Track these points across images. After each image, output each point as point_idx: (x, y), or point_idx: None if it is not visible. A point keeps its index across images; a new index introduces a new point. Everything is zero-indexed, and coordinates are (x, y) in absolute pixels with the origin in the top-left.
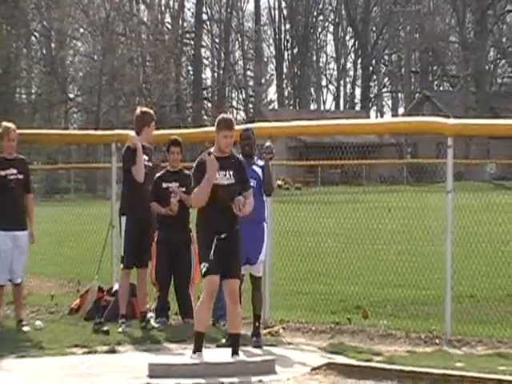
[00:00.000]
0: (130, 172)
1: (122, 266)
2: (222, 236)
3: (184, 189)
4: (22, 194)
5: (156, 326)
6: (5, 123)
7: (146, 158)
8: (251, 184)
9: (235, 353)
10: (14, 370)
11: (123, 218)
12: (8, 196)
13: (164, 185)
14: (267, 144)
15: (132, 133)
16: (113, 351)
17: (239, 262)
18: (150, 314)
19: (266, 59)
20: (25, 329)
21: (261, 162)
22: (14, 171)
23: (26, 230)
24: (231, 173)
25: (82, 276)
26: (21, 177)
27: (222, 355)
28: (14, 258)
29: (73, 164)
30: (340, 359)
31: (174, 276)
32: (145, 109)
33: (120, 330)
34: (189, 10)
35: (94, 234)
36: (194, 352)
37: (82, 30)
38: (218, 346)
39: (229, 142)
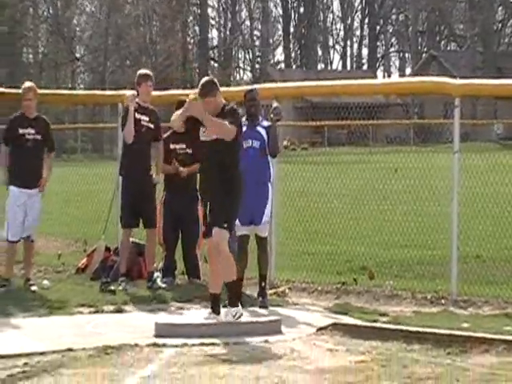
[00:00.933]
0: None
1: (121, 224)
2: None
3: (191, 150)
4: (40, 153)
5: (162, 285)
6: (25, 83)
7: (146, 118)
8: (254, 145)
9: (213, 312)
10: (22, 329)
11: (120, 179)
12: (24, 155)
13: (172, 146)
14: (275, 105)
15: (128, 92)
16: (119, 311)
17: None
18: (157, 274)
19: (272, 19)
20: (32, 288)
21: (265, 123)
22: (32, 131)
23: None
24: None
25: (88, 235)
26: (38, 137)
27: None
28: (27, 215)
29: (79, 124)
30: (346, 319)
31: (181, 236)
32: (141, 70)
33: (120, 288)
34: None
35: (100, 193)
36: (211, 313)
37: None
38: (224, 306)
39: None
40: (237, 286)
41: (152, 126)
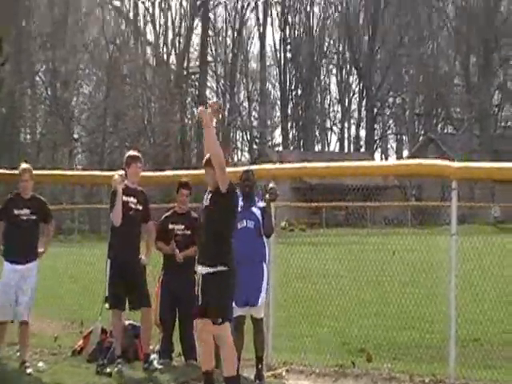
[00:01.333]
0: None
1: (106, 306)
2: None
3: (189, 232)
4: (35, 232)
5: (159, 367)
6: (22, 164)
7: (134, 200)
8: (249, 225)
9: None
10: None
11: (108, 262)
12: (19, 233)
13: (170, 226)
14: (271, 185)
15: (117, 174)
16: None
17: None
18: (153, 356)
19: (270, 101)
20: (28, 371)
21: (261, 204)
22: (28, 211)
23: (35, 261)
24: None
25: (85, 317)
26: (34, 217)
27: None
28: (19, 293)
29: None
30: None
31: (179, 317)
32: (132, 152)
33: (115, 370)
34: (194, 50)
35: (97, 273)
36: None
37: (86, 71)
38: None
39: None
40: (237, 381)
41: (140, 207)
